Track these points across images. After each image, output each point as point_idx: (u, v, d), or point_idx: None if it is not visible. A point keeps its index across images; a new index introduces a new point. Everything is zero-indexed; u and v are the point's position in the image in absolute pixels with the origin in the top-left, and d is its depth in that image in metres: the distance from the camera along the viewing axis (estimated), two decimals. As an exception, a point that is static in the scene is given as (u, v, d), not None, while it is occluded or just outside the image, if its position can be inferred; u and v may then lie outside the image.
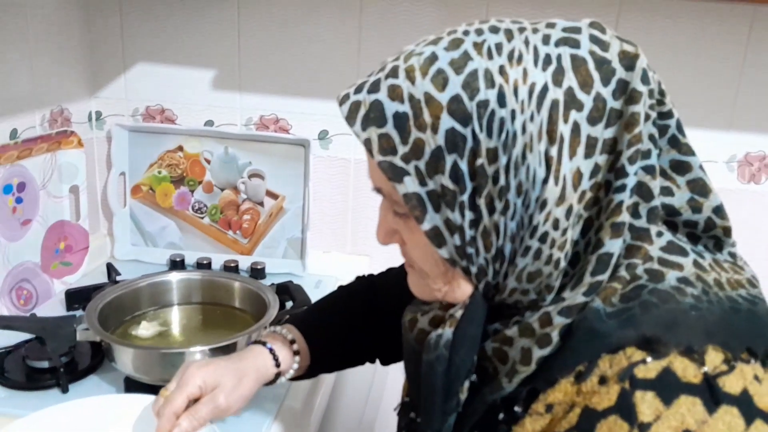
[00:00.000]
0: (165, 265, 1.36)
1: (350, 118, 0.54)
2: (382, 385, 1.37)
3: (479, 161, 0.51)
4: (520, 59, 0.50)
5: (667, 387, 0.48)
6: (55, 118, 1.26)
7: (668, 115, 0.55)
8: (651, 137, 0.53)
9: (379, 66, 0.56)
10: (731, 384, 0.48)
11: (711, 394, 0.47)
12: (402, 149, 0.52)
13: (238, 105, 1.37)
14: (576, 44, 0.51)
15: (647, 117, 0.52)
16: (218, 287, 1.11)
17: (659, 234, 0.55)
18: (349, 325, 0.84)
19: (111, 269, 1.25)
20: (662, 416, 0.46)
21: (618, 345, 0.50)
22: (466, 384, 0.57)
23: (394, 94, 0.52)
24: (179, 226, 1.41)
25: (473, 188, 0.52)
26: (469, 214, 0.52)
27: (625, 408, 0.47)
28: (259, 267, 1.32)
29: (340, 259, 1.41)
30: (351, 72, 1.31)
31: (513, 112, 0.50)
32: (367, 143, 0.53)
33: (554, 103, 0.50)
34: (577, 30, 0.52)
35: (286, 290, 1.15)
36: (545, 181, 0.50)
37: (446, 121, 0.50)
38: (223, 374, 0.73)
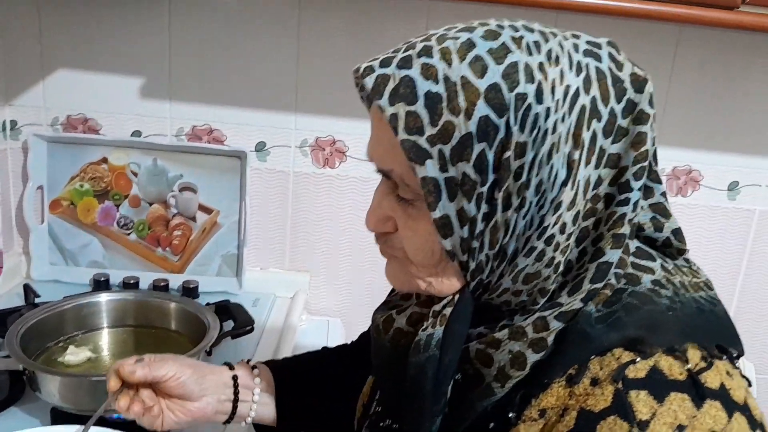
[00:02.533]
0: (88, 285, 1.28)
1: (376, 92, 0.52)
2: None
3: (507, 154, 0.49)
4: (557, 60, 0.50)
5: (658, 385, 0.49)
6: (-36, 126, 1.16)
7: (653, 142, 0.56)
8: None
9: (404, 44, 0.54)
10: (711, 379, 0.51)
11: (696, 390, 0.49)
12: (429, 130, 0.50)
13: (168, 114, 1.30)
14: (599, 58, 0.52)
15: (651, 139, 0.54)
16: (152, 308, 1.04)
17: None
18: (322, 382, 0.83)
19: (28, 290, 1.15)
20: (657, 413, 0.48)
21: (606, 347, 0.52)
22: (451, 384, 0.56)
23: (428, 73, 0.50)
24: (103, 244, 1.32)
25: (494, 180, 0.51)
26: (484, 207, 0.51)
27: (621, 408, 0.48)
28: (191, 286, 1.25)
29: (278, 275, 1.36)
30: (290, 81, 1.28)
31: (548, 109, 0.49)
32: (393, 119, 0.51)
33: (583, 109, 0.50)
34: (599, 45, 0.53)
35: (226, 310, 1.09)
36: (564, 183, 0.51)
37: (482, 109, 0.49)
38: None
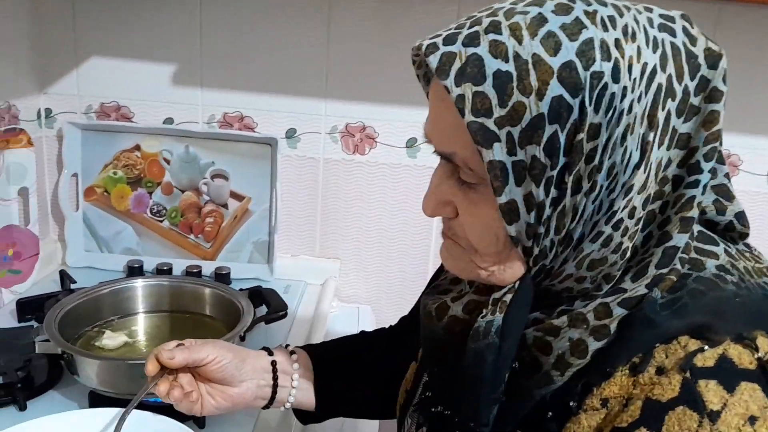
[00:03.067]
0: (122, 272, 1.29)
1: (441, 71, 0.49)
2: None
3: (579, 136, 0.47)
4: (634, 36, 0.48)
5: (728, 374, 0.48)
6: (2, 115, 1.17)
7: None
8: None
9: (467, 19, 0.51)
10: None
11: (767, 380, 0.48)
12: (498, 112, 0.48)
13: (200, 102, 1.30)
14: (673, 33, 0.50)
15: (723, 117, 0.52)
16: (186, 294, 1.05)
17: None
18: (361, 366, 0.82)
19: (64, 277, 1.16)
20: (728, 404, 0.46)
21: (671, 334, 0.50)
22: (508, 372, 0.54)
23: (497, 51, 0.48)
24: (136, 231, 1.33)
25: (564, 164, 0.48)
26: (553, 191, 0.49)
27: (691, 398, 0.47)
28: (223, 272, 1.25)
29: (309, 262, 1.36)
30: (320, 67, 1.27)
31: (624, 89, 0.47)
32: (460, 100, 0.48)
33: (659, 88, 0.48)
34: (672, 19, 0.51)
35: (259, 295, 1.10)
36: (637, 166, 0.49)
37: (555, 88, 0.46)
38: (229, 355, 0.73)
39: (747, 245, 0.59)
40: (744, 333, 0.49)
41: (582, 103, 0.47)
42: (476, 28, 0.49)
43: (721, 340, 0.49)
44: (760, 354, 0.49)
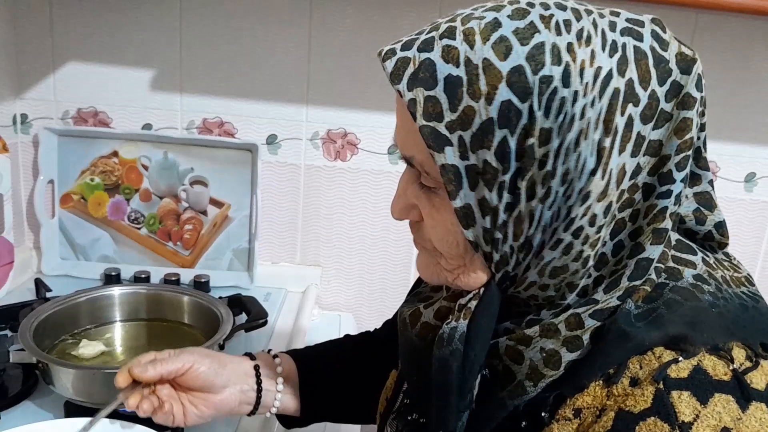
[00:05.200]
0: (99, 280, 1.27)
1: (395, 76, 0.50)
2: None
3: (530, 141, 0.47)
4: (588, 40, 0.47)
5: (701, 386, 0.47)
6: (-25, 119, 1.15)
7: (703, 127, 0.54)
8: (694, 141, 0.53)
9: (430, 24, 0.52)
10: (757, 380, 0.48)
11: (741, 392, 0.47)
12: (449, 116, 0.48)
13: (179, 107, 1.29)
14: (639, 37, 0.49)
15: (697, 125, 0.51)
16: (164, 302, 1.03)
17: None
18: (346, 371, 0.82)
19: (40, 285, 1.14)
20: (701, 416, 0.46)
21: (646, 346, 0.49)
22: (478, 379, 0.54)
23: (449, 55, 0.48)
24: (114, 238, 1.31)
25: (517, 169, 0.48)
26: (506, 197, 0.49)
27: (663, 409, 0.46)
28: (202, 280, 1.24)
29: (289, 270, 1.35)
30: (301, 73, 1.26)
31: (575, 93, 0.46)
32: (412, 104, 0.49)
33: (616, 92, 0.47)
34: (641, 23, 0.50)
35: (239, 303, 1.08)
36: (593, 172, 0.48)
37: (504, 93, 0.47)
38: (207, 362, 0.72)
39: (726, 254, 0.59)
40: (720, 344, 0.49)
41: (531, 108, 0.46)
42: (433, 33, 0.50)
43: (696, 351, 0.48)
44: (735, 365, 0.48)
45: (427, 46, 0.49)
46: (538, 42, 0.47)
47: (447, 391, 0.54)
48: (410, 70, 0.49)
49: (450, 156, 0.49)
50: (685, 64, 0.50)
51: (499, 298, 0.54)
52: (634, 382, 0.48)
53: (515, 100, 0.46)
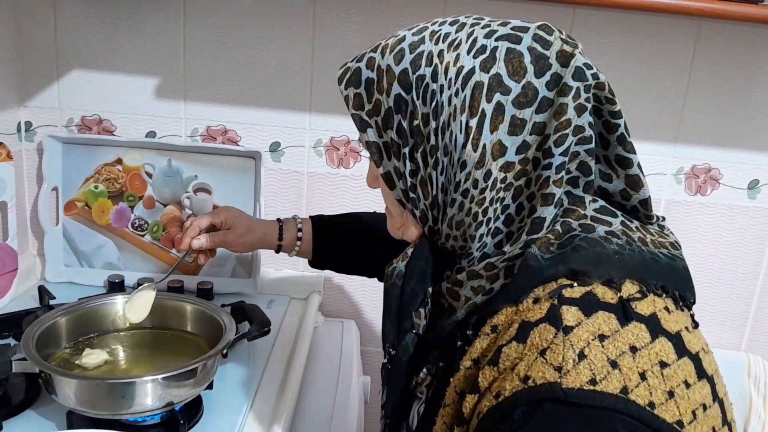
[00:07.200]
0: (102, 287, 1.27)
1: (340, 79, 0.69)
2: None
3: (416, 122, 0.63)
4: (457, 47, 0.62)
5: (588, 304, 0.56)
6: (-21, 128, 1.15)
7: (618, 115, 0.62)
8: (591, 125, 0.62)
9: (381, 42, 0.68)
10: (642, 308, 0.57)
11: (624, 313, 0.55)
12: (367, 106, 0.67)
13: (183, 115, 1.29)
14: (517, 40, 0.61)
15: (582, 108, 0.60)
16: (168, 310, 1.03)
17: (594, 200, 0.64)
18: (357, 240, 1.04)
19: (43, 292, 1.14)
20: (582, 323, 0.55)
21: (550, 278, 0.59)
22: (422, 311, 0.68)
23: (369, 64, 0.67)
24: (117, 245, 1.31)
25: (413, 144, 0.64)
26: (410, 165, 0.65)
27: (552, 317, 0.56)
28: (206, 287, 1.24)
29: (293, 277, 1.35)
30: (305, 80, 1.27)
31: (442, 87, 0.61)
32: (346, 99, 0.68)
33: (478, 84, 0.60)
34: (525, 29, 0.62)
35: (242, 311, 1.08)
36: (464, 146, 0.61)
37: (396, 88, 0.64)
38: (239, 222, 1.02)
39: (661, 226, 0.67)
40: (615, 279, 0.58)
41: (413, 99, 0.63)
42: (371, 49, 0.67)
43: (591, 282, 0.58)
44: (621, 294, 0.57)
45: (361, 58, 0.68)
46: (420, 51, 0.63)
47: (389, 314, 0.70)
48: (347, 75, 0.68)
49: (371, 135, 0.67)
50: (564, 58, 0.61)
51: (427, 246, 0.69)
52: (536, 301, 0.59)
53: (403, 93, 0.64)
